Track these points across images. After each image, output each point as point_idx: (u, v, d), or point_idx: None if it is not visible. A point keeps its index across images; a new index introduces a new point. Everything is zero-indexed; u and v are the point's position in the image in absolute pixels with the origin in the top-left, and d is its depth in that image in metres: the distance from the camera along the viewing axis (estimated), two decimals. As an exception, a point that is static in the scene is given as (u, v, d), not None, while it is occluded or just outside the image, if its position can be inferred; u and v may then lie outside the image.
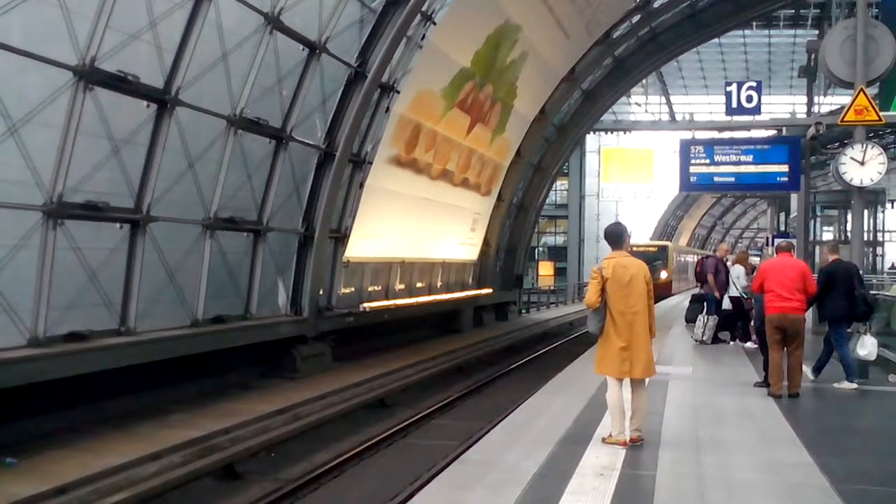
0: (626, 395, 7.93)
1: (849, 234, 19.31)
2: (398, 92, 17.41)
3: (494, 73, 20.66)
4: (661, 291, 36.50)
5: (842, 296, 11.16)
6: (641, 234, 46.28)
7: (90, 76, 10.19)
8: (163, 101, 11.61)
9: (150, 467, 9.31)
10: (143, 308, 11.67)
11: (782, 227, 31.53)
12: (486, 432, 8.84)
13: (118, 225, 11.42)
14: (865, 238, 27.00)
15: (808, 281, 10.66)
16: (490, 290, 27.49)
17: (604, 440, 7.98)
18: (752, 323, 15.05)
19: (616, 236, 8.15)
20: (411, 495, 6.35)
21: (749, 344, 16.26)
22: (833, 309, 11.29)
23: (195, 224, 12.93)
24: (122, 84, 10.84)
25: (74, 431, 10.33)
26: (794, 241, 16.32)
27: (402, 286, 20.65)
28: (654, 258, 38.50)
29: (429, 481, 6.77)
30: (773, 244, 25.63)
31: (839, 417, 9.89)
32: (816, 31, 29.59)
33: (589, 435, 8.27)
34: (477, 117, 21.07)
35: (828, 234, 38.22)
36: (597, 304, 7.79)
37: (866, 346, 11.29)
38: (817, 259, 24.68)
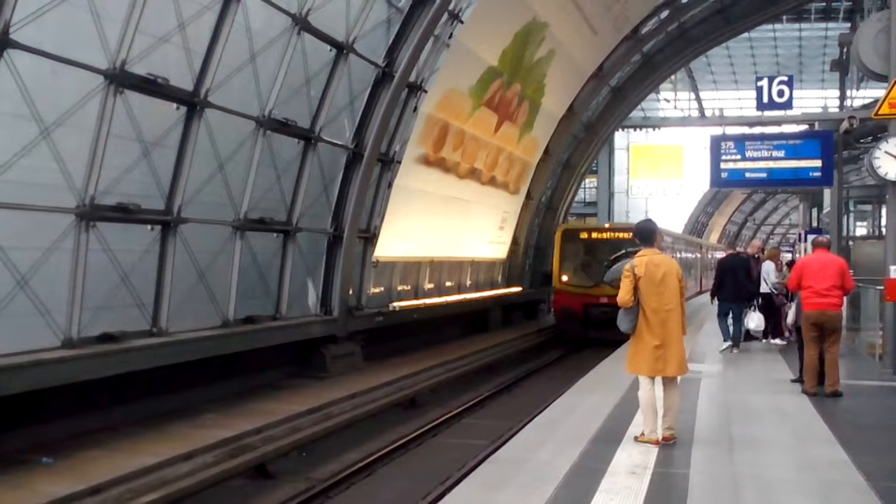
0: (657, 393, 7.87)
1: (883, 229, 19.02)
2: (426, 91, 17.41)
3: (522, 71, 20.60)
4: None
5: (732, 284, 15.06)
6: (671, 231, 45.82)
7: (121, 79, 10.28)
8: (192, 103, 11.68)
9: (182, 467, 9.38)
10: (175, 308, 11.75)
11: (815, 223, 31.19)
12: (517, 431, 8.81)
13: (149, 227, 11.51)
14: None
15: (846, 277, 10.49)
16: (519, 289, 27.43)
17: (636, 439, 7.92)
18: (785, 320, 14.86)
19: (648, 233, 8.09)
20: (442, 495, 6.34)
21: (777, 340, 16.09)
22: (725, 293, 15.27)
23: (225, 225, 13.00)
24: (152, 87, 10.92)
25: (108, 431, 10.42)
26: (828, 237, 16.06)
27: (431, 285, 20.66)
28: (619, 248, 23.64)
29: (460, 481, 6.74)
30: (805, 240, 25.37)
31: (875, 415, 9.75)
32: (848, 24, 29.21)
33: (621, 434, 8.22)
34: (504, 115, 21.03)
35: (861, 230, 37.77)
36: (630, 302, 7.72)
37: (753, 320, 14.91)
38: (851, 255, 24.35)
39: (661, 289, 7.76)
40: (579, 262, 25.31)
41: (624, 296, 7.73)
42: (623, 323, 7.81)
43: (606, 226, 27.42)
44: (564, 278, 24.85)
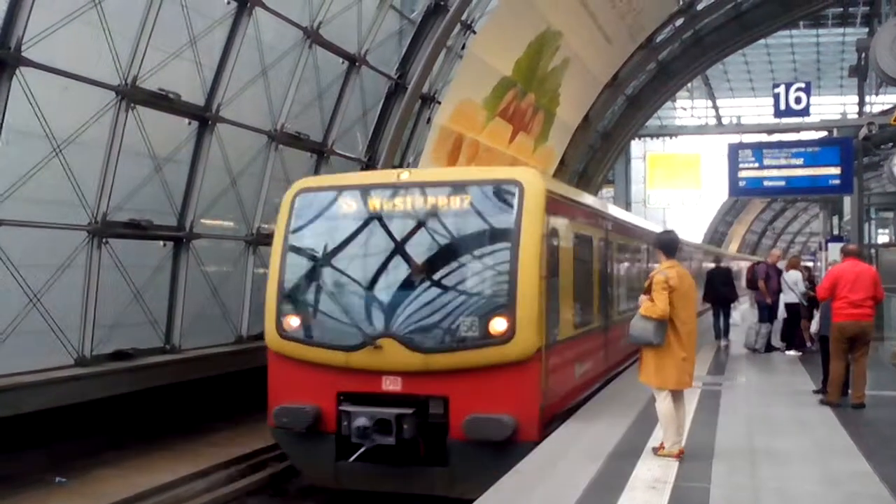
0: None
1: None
2: (439, 102, 17.37)
3: (536, 81, 20.52)
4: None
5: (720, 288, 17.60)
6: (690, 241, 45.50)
7: (132, 95, 10.29)
8: (204, 118, 11.68)
9: (197, 485, 9.31)
10: (188, 325, 11.71)
11: (836, 231, 30.89)
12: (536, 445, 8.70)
13: (162, 243, 11.49)
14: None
15: (878, 287, 10.28)
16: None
17: (655, 452, 7.77)
18: (811, 329, 14.61)
19: (673, 245, 8.03)
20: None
21: (792, 352, 15.86)
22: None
23: (238, 240, 12.97)
24: (163, 102, 10.93)
25: (121, 449, 10.36)
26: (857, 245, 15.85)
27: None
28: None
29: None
30: (826, 249, 25.07)
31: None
32: (866, 29, 29.02)
33: (640, 448, 8.07)
34: (519, 126, 20.94)
35: (883, 237, 37.38)
36: (668, 315, 7.55)
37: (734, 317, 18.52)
38: (874, 263, 24.05)
39: (688, 300, 7.66)
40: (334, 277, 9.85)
41: (665, 308, 7.50)
42: (655, 335, 7.56)
43: (405, 175, 9.88)
44: (292, 322, 9.60)
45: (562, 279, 9.70)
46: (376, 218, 9.26)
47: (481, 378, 8.57)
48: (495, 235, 9.01)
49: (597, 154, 29.86)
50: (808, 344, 14.98)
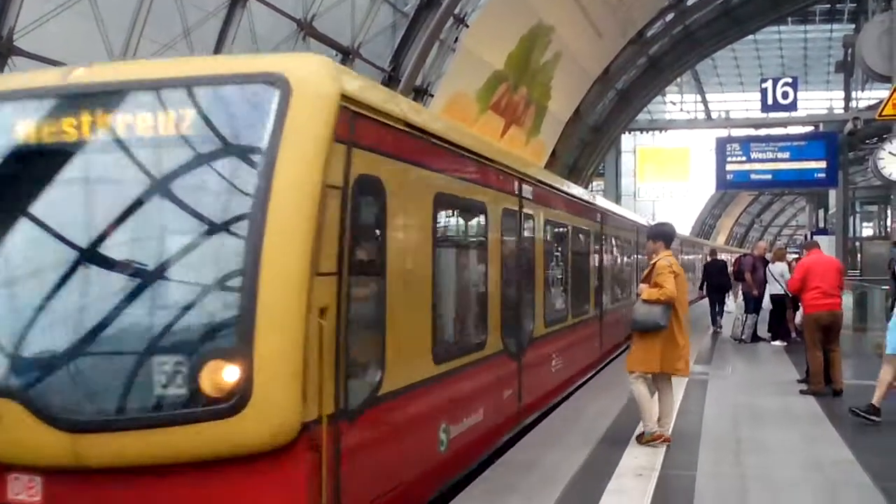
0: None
1: (889, 229, 19.00)
2: (432, 95, 17.47)
3: (528, 75, 20.65)
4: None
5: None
6: (679, 233, 45.62)
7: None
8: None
9: None
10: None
11: (821, 224, 31.15)
12: (524, 434, 8.82)
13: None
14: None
15: (842, 277, 10.64)
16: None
17: (639, 441, 7.86)
18: (793, 321, 14.83)
19: (670, 236, 8.29)
20: (451, 496, 6.35)
21: (777, 342, 16.07)
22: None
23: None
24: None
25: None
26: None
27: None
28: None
29: (467, 483, 6.75)
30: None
31: (882, 415, 9.74)
32: (853, 26, 29.23)
33: (628, 436, 8.21)
34: (511, 119, 21.08)
35: (867, 231, 37.66)
36: (675, 297, 7.77)
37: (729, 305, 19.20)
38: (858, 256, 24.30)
39: (684, 288, 7.90)
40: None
41: (674, 290, 7.66)
42: (662, 317, 7.64)
43: (80, 73, 5.04)
44: None
45: (390, 280, 5.57)
46: (15, 157, 4.90)
47: (196, 487, 4.40)
48: (228, 188, 4.72)
49: (587, 147, 30.00)
50: (793, 335, 15.18)
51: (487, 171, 7.87)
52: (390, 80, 16.14)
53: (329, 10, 13.74)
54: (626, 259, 17.52)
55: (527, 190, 9.16)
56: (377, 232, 5.49)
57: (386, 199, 5.45)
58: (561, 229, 11.42)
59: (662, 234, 8.19)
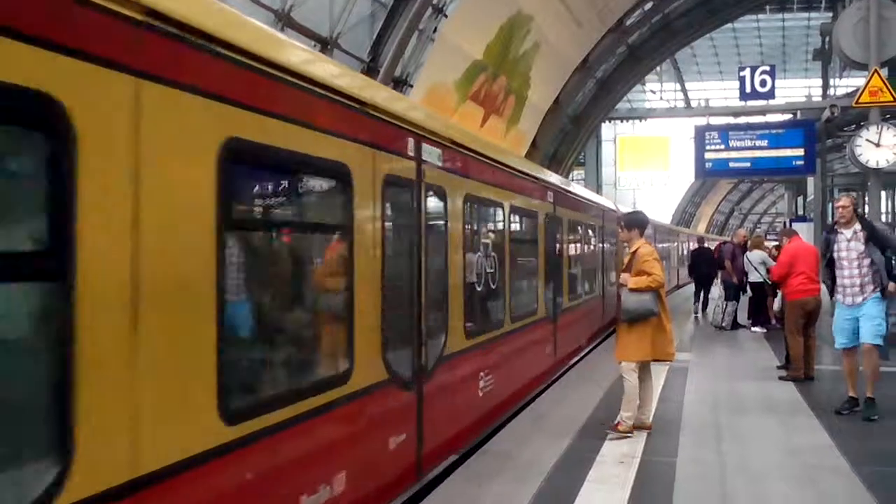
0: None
1: (867, 215, 19.17)
2: (411, 86, 17.44)
3: (507, 65, 20.66)
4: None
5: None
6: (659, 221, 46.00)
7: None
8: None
9: None
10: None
11: (800, 211, 31.35)
12: (508, 422, 8.85)
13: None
14: (883, 220, 26.78)
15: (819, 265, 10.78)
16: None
17: (617, 429, 7.85)
18: (773, 308, 14.95)
19: (644, 223, 8.38)
20: (433, 486, 6.38)
21: (757, 329, 16.22)
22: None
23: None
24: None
25: None
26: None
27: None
28: None
29: (449, 473, 6.78)
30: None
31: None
32: (830, 14, 29.38)
33: (610, 423, 8.27)
34: (491, 109, 21.08)
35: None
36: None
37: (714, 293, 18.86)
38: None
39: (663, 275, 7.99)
40: None
41: (663, 275, 7.89)
42: (653, 304, 7.75)
43: None
44: None
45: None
46: None
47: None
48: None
49: (567, 137, 30.05)
50: (773, 321, 15.33)
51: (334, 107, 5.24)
52: (369, 71, 16.09)
53: (307, 1, 13.69)
54: (589, 249, 15.17)
55: (432, 153, 6.95)
56: None
57: None
58: (482, 209, 8.98)
59: (637, 222, 8.25)
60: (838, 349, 8.93)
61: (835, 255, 8.70)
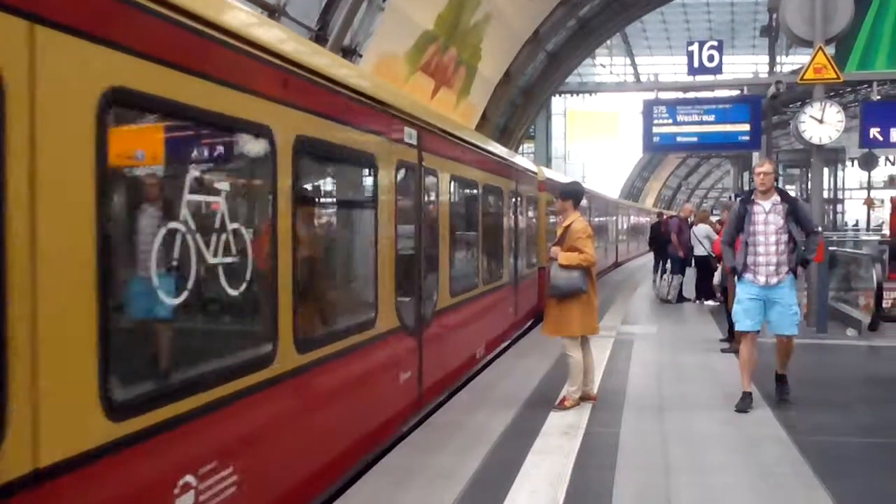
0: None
1: (810, 191, 19.52)
2: (360, 56, 17.24)
3: (458, 36, 20.53)
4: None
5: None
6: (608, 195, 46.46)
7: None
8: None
9: None
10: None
11: (745, 187, 31.79)
12: (453, 395, 8.89)
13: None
14: (826, 196, 27.33)
15: None
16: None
17: (564, 405, 7.90)
18: (714, 281, 15.19)
19: (580, 194, 8.30)
20: (377, 459, 6.38)
21: (710, 302, 16.46)
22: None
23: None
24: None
25: None
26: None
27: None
28: None
29: (395, 445, 6.79)
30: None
31: (799, 372, 10.01)
32: (778, -10, 29.69)
33: (555, 396, 8.34)
34: (441, 81, 20.96)
35: (791, 193, 38.59)
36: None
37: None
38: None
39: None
40: None
41: (594, 254, 7.88)
42: (582, 282, 7.74)
43: None
44: None
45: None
46: None
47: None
48: None
49: (518, 110, 30.04)
50: (718, 295, 15.58)
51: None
52: (318, 40, 15.86)
53: (254, -33, 13.44)
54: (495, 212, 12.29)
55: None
56: None
57: None
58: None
59: (573, 193, 8.18)
60: (742, 331, 8.08)
61: (748, 227, 7.85)
